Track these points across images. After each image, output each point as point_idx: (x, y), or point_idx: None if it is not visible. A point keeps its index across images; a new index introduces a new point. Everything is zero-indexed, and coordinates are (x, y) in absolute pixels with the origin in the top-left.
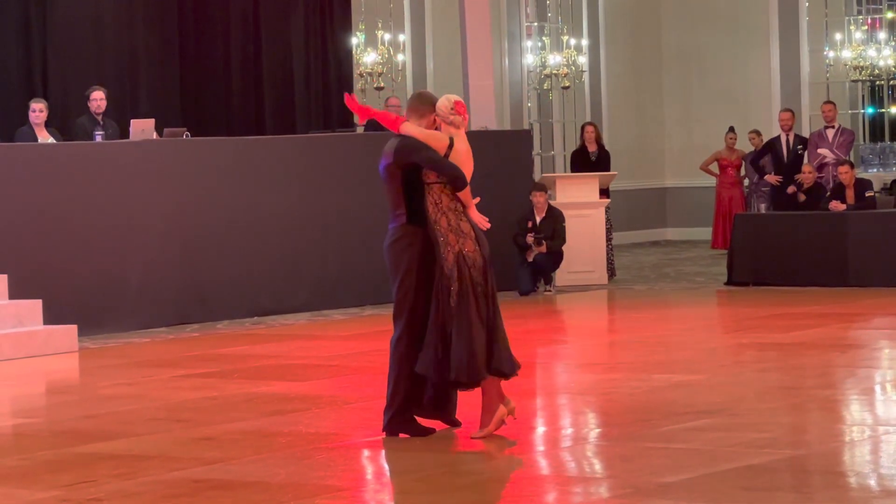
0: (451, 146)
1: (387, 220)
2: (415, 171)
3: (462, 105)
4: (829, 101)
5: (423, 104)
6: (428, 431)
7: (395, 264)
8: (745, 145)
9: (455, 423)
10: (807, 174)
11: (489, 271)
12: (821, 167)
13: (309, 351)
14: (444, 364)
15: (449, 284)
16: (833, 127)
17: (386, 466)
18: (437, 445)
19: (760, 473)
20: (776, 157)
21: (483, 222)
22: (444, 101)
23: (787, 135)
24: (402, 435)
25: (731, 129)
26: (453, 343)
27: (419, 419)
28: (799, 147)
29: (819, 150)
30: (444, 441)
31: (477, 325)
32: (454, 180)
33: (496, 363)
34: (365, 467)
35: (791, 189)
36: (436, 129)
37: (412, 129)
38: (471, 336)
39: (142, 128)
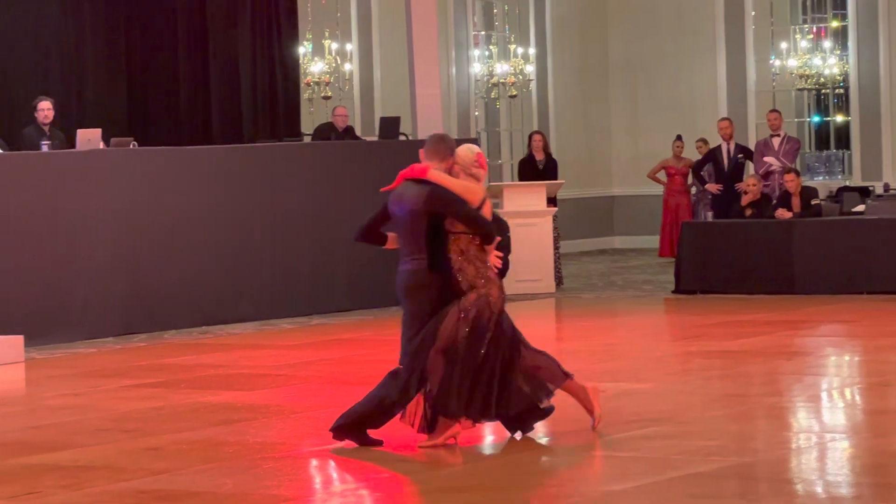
0: (484, 200)
1: (334, 229)
2: (439, 219)
3: (483, 158)
4: (774, 110)
5: (446, 147)
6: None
7: (416, 310)
8: (692, 153)
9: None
10: (751, 186)
11: (504, 317)
12: (767, 175)
13: (256, 360)
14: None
15: (462, 319)
16: (779, 135)
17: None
18: (379, 455)
19: (707, 481)
20: (717, 166)
21: (496, 261)
22: (467, 152)
23: (728, 143)
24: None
25: (679, 138)
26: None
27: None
28: (740, 156)
29: (765, 159)
30: (384, 452)
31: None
32: (486, 237)
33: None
34: (312, 477)
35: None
36: (451, 175)
37: (444, 177)
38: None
39: (88, 137)
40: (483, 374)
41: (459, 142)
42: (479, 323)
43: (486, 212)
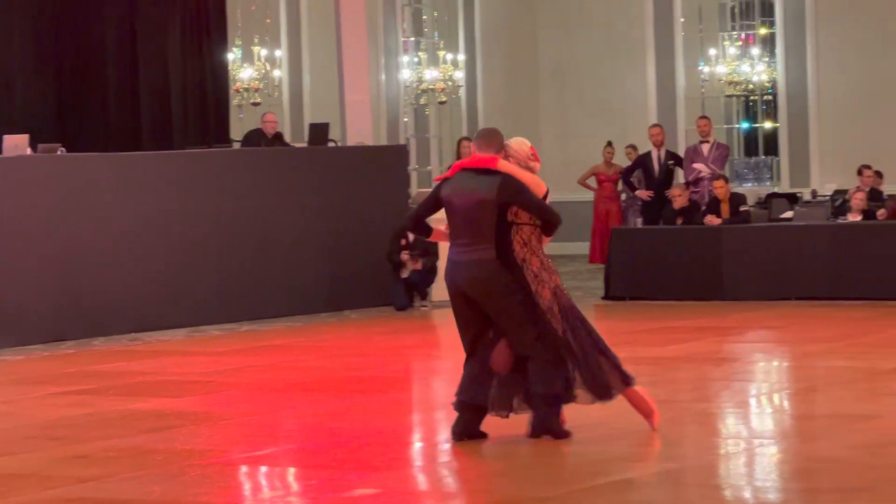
0: (546, 193)
1: (264, 236)
2: (503, 211)
3: (535, 151)
4: (703, 116)
5: (500, 139)
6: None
7: (505, 291)
8: (623, 159)
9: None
10: (677, 196)
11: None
12: (696, 181)
13: (185, 367)
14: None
15: (550, 319)
16: (708, 141)
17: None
18: (309, 461)
19: (636, 487)
20: (647, 173)
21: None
22: (522, 146)
23: (659, 150)
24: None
25: (609, 144)
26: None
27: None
28: (670, 162)
29: (694, 165)
30: (321, 457)
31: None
32: (553, 226)
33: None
34: (241, 484)
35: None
36: None
37: (513, 167)
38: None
39: (15, 143)
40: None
41: (388, 148)
42: (565, 312)
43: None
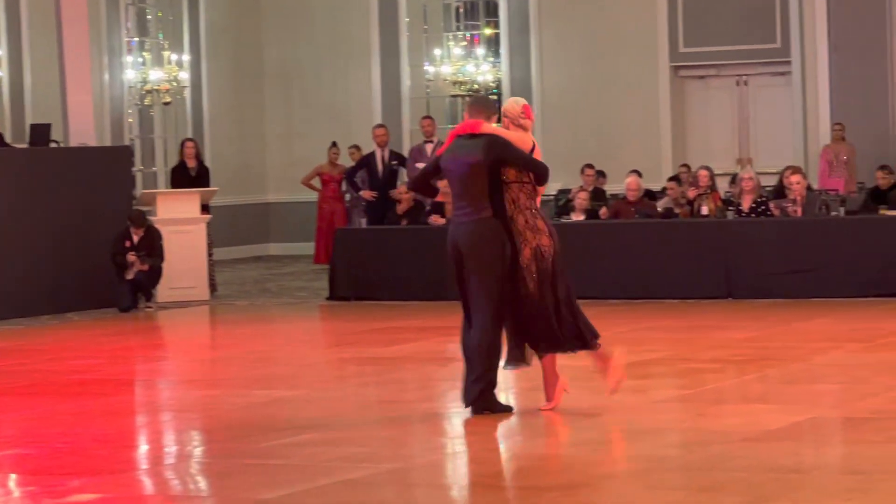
0: (533, 147)
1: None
2: (496, 170)
3: (529, 109)
4: (427, 116)
5: (491, 104)
6: (508, 408)
7: (491, 257)
8: (348, 160)
9: None
10: (402, 194)
11: (558, 259)
12: None
13: None
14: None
15: (525, 276)
16: (432, 142)
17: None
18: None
19: (359, 487)
20: (371, 173)
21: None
22: (514, 105)
23: (383, 150)
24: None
25: (334, 144)
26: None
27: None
28: (394, 162)
29: (418, 165)
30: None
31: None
32: (541, 177)
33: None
34: None
35: (401, 208)
36: None
37: (496, 128)
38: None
39: None
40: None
41: (112, 149)
42: (541, 273)
43: (538, 157)
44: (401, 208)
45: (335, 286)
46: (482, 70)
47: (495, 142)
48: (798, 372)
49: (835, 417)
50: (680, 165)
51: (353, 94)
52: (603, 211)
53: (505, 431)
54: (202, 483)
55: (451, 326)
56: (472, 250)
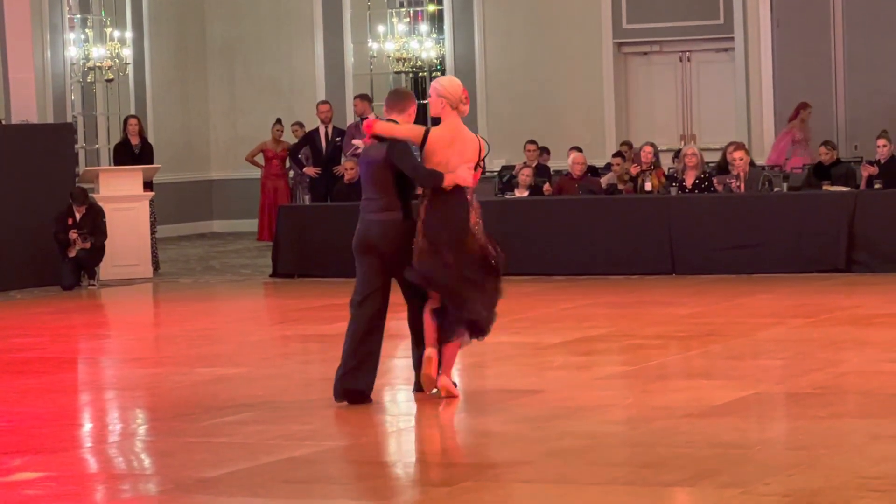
0: (426, 136)
1: None
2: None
3: (467, 93)
4: (359, 95)
5: (404, 99)
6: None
7: (404, 255)
8: (291, 137)
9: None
10: (349, 170)
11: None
12: (356, 156)
13: None
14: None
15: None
16: (367, 118)
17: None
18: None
19: (301, 465)
20: (315, 150)
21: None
22: (457, 87)
23: (327, 126)
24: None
25: (279, 121)
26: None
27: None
28: (337, 139)
29: (354, 141)
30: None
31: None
32: (432, 186)
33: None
34: None
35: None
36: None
37: (386, 127)
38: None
39: None
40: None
41: (54, 126)
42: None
43: (459, 145)
44: (348, 177)
45: (279, 263)
46: (426, 47)
47: (394, 150)
48: (742, 347)
49: (778, 393)
50: (621, 143)
51: (296, 71)
52: (546, 187)
53: (449, 409)
54: (146, 461)
55: (396, 304)
56: (379, 246)
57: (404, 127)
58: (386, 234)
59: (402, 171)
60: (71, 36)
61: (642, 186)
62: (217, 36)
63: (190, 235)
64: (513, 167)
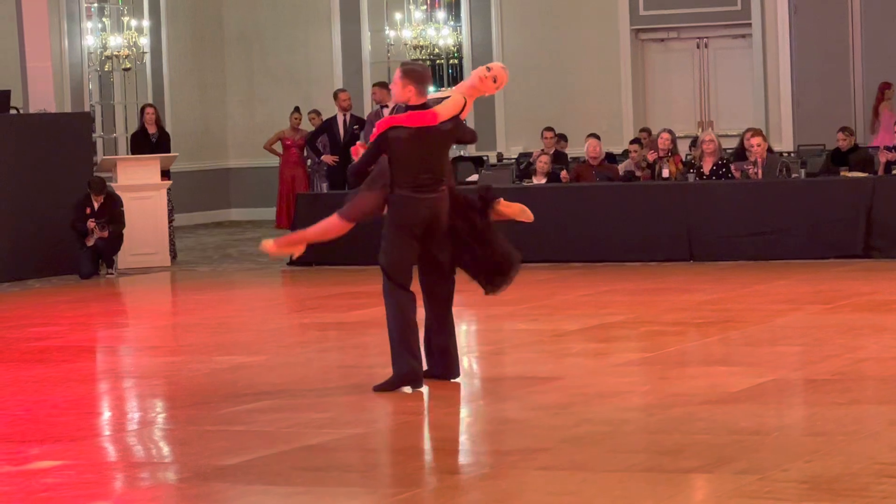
0: (464, 106)
1: None
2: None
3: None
4: (378, 83)
5: (427, 71)
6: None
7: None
8: (308, 125)
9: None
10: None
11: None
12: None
13: None
14: None
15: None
16: (387, 106)
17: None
18: None
19: (319, 453)
20: (333, 138)
21: None
22: (491, 84)
23: (345, 115)
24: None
25: (297, 110)
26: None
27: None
28: (355, 127)
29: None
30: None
31: None
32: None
33: None
34: None
35: None
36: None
37: (442, 110)
38: None
39: None
40: None
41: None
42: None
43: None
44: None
45: None
46: (443, 34)
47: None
48: (759, 334)
49: (796, 379)
50: (639, 130)
51: (313, 59)
52: (564, 174)
53: (466, 396)
54: (164, 449)
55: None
56: (441, 220)
57: (447, 105)
58: (444, 210)
59: (468, 142)
60: (88, 25)
61: (660, 173)
62: (234, 24)
63: (207, 224)
64: (530, 154)
